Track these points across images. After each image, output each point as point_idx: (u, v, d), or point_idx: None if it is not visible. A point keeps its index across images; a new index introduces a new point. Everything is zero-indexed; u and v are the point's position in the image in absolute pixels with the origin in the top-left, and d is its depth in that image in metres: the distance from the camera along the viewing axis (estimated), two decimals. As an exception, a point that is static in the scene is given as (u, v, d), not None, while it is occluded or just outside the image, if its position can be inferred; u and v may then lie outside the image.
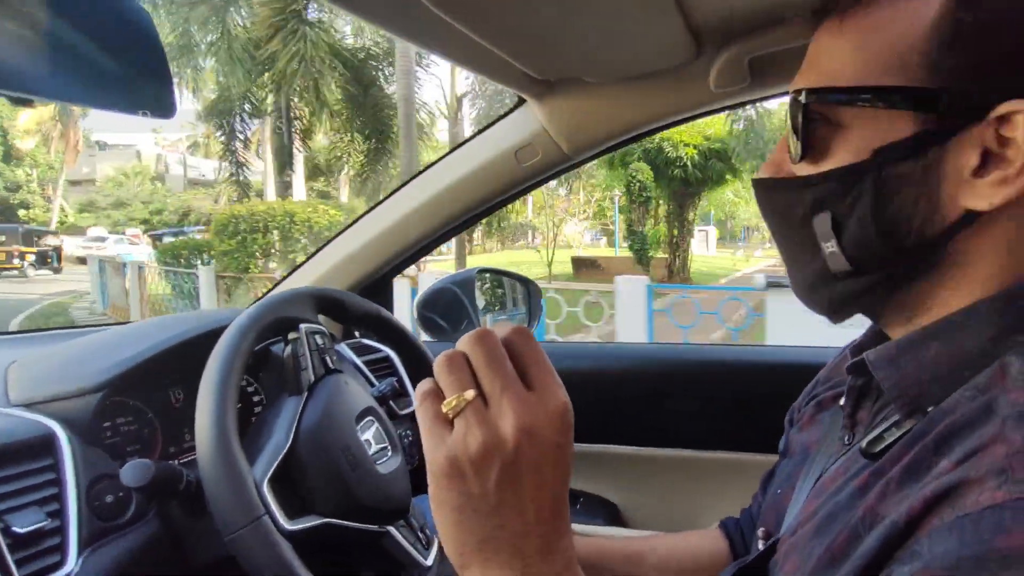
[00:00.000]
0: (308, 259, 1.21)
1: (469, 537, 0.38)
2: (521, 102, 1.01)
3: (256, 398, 0.88)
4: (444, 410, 0.38)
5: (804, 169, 0.47)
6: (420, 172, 1.16)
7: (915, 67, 0.41)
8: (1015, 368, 0.39)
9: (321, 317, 0.84)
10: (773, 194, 0.51)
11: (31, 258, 18.30)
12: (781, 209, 0.50)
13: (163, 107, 0.57)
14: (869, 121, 0.43)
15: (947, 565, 0.32)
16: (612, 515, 1.26)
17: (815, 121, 0.46)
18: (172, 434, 0.81)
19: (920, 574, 0.33)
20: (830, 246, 0.46)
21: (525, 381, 0.39)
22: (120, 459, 0.73)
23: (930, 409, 0.42)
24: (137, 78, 0.53)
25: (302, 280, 1.18)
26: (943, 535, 0.33)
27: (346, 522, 0.68)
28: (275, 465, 0.65)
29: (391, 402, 0.96)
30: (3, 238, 18.26)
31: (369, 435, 0.76)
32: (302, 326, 0.76)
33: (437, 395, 0.39)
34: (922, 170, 0.42)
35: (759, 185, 0.52)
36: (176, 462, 0.81)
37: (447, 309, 1.45)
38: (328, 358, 0.77)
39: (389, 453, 0.78)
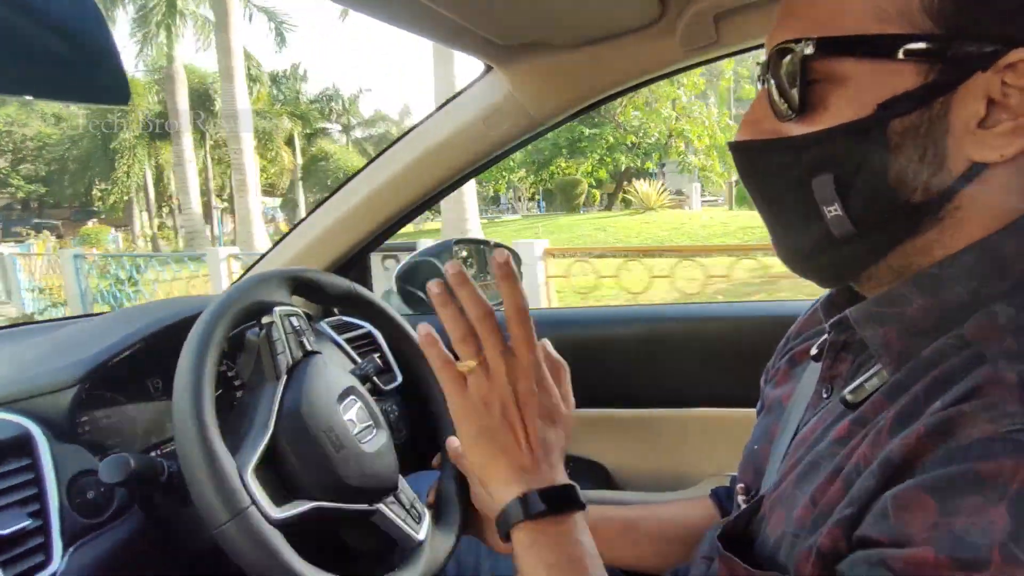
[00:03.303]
0: (280, 240, 1.19)
1: (486, 455, 0.52)
2: (488, 69, 0.99)
3: (237, 382, 0.87)
4: (460, 370, 0.52)
5: (796, 128, 0.44)
6: (389, 145, 1.13)
7: (917, 14, 0.39)
8: (1004, 317, 0.39)
9: (297, 298, 0.83)
10: (760, 157, 0.47)
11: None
12: (771, 173, 0.46)
13: (117, 93, 0.54)
14: (870, 73, 0.41)
15: (926, 484, 0.34)
16: (602, 478, 1.28)
17: (812, 75, 0.42)
18: (153, 424, 0.81)
19: (902, 492, 0.35)
20: (833, 209, 0.43)
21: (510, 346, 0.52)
22: (100, 453, 0.72)
23: (912, 360, 0.42)
24: (86, 63, 0.51)
25: (275, 261, 1.17)
26: (935, 463, 0.35)
27: (335, 504, 0.68)
28: (258, 453, 0.64)
29: (375, 379, 0.96)
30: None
31: (352, 414, 0.76)
32: (276, 309, 0.74)
33: (451, 361, 0.52)
34: (928, 123, 0.40)
35: (740, 148, 0.48)
36: (159, 452, 0.80)
37: (427, 281, 1.45)
38: (305, 340, 0.76)
39: (374, 431, 0.78)
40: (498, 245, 1.56)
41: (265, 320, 0.74)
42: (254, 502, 0.60)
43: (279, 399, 0.69)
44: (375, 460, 0.75)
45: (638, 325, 1.27)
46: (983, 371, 0.37)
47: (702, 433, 1.22)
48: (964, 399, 0.36)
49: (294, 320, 0.76)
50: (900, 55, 0.40)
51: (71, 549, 0.64)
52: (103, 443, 0.75)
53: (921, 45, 0.39)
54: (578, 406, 1.25)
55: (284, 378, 0.71)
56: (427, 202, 1.17)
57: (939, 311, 0.42)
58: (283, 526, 0.62)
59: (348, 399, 0.76)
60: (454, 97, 1.06)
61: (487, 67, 0.98)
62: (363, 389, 0.82)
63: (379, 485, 0.75)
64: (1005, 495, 0.31)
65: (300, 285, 0.81)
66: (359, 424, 0.76)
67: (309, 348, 0.76)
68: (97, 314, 1.00)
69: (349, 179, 1.16)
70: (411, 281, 1.43)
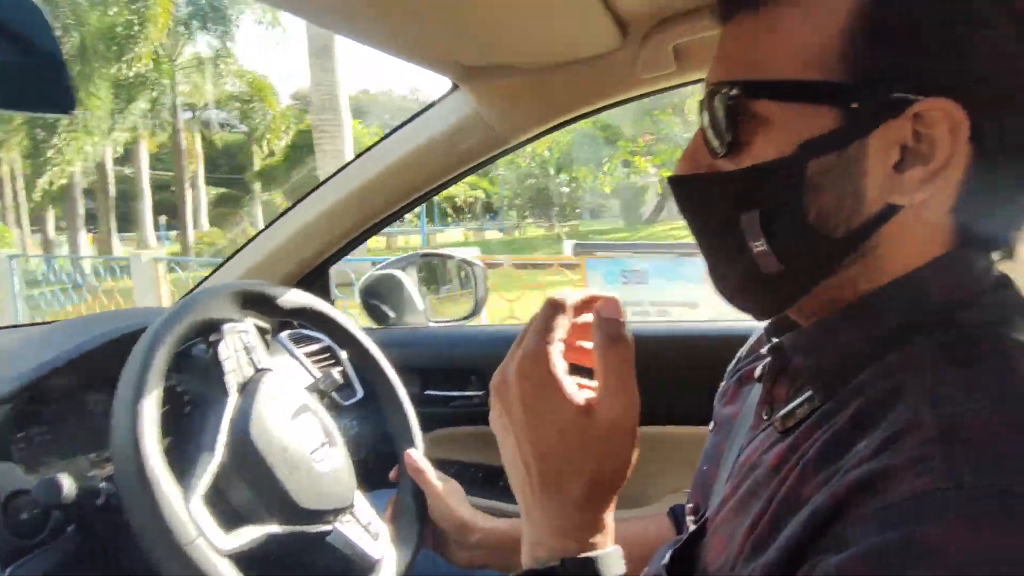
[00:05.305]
0: (238, 251, 1.17)
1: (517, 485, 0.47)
2: (455, 87, 1.00)
3: (186, 397, 0.85)
4: None
5: (726, 165, 0.45)
6: (354, 158, 1.13)
7: (833, 62, 0.41)
8: (921, 348, 0.40)
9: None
10: (694, 192, 0.48)
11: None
12: (704, 207, 0.48)
13: (62, 102, 0.53)
14: (792, 115, 0.42)
15: (870, 557, 0.33)
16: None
17: (739, 115, 0.44)
18: (93, 443, 0.78)
19: (846, 564, 0.33)
20: (759, 245, 0.44)
21: None
22: (36, 472, 0.69)
23: (840, 390, 0.43)
24: (31, 71, 0.49)
25: (231, 273, 1.14)
26: (868, 525, 0.34)
27: (289, 528, 0.67)
28: (206, 480, 0.62)
29: (334, 394, 0.94)
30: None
31: (306, 433, 0.75)
32: (225, 326, 0.72)
33: None
34: (846, 164, 0.41)
35: (677, 183, 0.49)
36: (99, 472, 0.78)
37: (391, 295, 1.44)
38: (256, 356, 0.74)
39: (329, 449, 0.76)
40: (468, 260, 1.55)
41: (213, 337, 0.72)
42: (202, 534, 0.58)
43: (228, 421, 0.67)
44: (330, 480, 0.73)
45: None
46: (903, 411, 0.37)
47: (663, 451, 1.23)
48: (888, 445, 0.36)
49: (244, 336, 0.74)
50: (817, 100, 0.42)
51: (7, 571, 0.62)
52: (39, 462, 0.72)
53: (835, 91, 0.41)
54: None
55: (234, 397, 0.69)
56: (391, 216, 1.17)
57: (867, 342, 0.43)
58: (233, 556, 0.60)
59: (302, 416, 0.75)
60: (420, 113, 1.07)
61: (453, 85, 0.99)
62: (318, 405, 0.80)
63: (334, 505, 0.73)
64: (946, 566, 0.31)
65: (250, 299, 0.78)
66: (314, 443, 0.75)
67: (260, 365, 0.74)
68: (37, 324, 0.96)
69: (310, 192, 1.15)
70: (375, 295, 1.42)
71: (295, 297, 0.83)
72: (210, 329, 0.72)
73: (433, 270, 1.58)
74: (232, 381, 0.70)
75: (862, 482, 0.35)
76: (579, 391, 0.45)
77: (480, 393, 1.28)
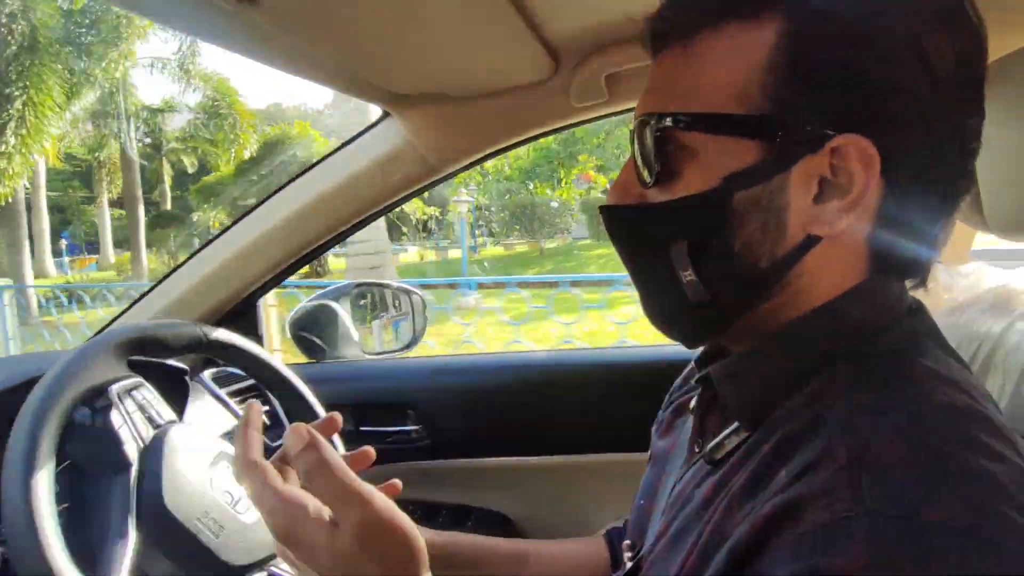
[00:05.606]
0: (151, 288, 1.10)
1: None
2: (385, 115, 0.97)
3: (82, 462, 0.77)
4: None
5: (656, 195, 0.46)
6: (280, 188, 1.08)
7: (755, 97, 0.42)
8: (842, 376, 0.41)
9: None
10: (625, 222, 0.49)
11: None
12: (635, 238, 0.49)
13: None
14: (718, 147, 0.43)
15: None
16: (506, 529, 1.25)
17: (667, 146, 0.45)
18: None
19: None
20: (688, 275, 0.45)
21: None
22: None
23: (765, 420, 0.43)
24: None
25: (144, 313, 1.07)
26: (782, 555, 0.34)
27: None
28: (125, 568, 0.56)
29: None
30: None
31: (227, 483, 0.69)
32: (112, 388, 0.65)
33: None
34: (769, 196, 0.42)
35: (608, 212, 0.49)
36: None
37: (325, 327, 1.38)
38: (154, 412, 0.67)
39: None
40: (406, 289, 1.51)
41: (100, 403, 0.64)
42: None
43: (134, 495, 0.60)
44: (258, 529, 0.69)
45: (536, 371, 1.27)
46: (820, 441, 0.38)
47: (606, 479, 1.22)
48: (804, 474, 0.36)
49: (137, 394, 0.67)
50: (740, 133, 0.43)
51: None
52: None
53: (757, 125, 0.42)
54: (477, 455, 1.24)
55: (135, 467, 0.62)
56: (321, 247, 1.12)
57: (791, 371, 0.44)
58: None
59: (220, 466, 0.69)
60: (350, 141, 1.04)
61: (384, 113, 0.97)
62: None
63: (266, 552, 0.69)
64: None
65: (135, 346, 0.70)
66: (236, 492, 0.70)
67: (162, 420, 0.67)
68: None
69: (234, 223, 1.10)
70: (308, 327, 1.36)
71: (187, 331, 0.76)
72: (94, 396, 0.65)
73: (368, 300, 1.54)
74: (131, 450, 0.63)
75: (777, 512, 0.35)
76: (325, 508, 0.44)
77: (418, 428, 1.24)
